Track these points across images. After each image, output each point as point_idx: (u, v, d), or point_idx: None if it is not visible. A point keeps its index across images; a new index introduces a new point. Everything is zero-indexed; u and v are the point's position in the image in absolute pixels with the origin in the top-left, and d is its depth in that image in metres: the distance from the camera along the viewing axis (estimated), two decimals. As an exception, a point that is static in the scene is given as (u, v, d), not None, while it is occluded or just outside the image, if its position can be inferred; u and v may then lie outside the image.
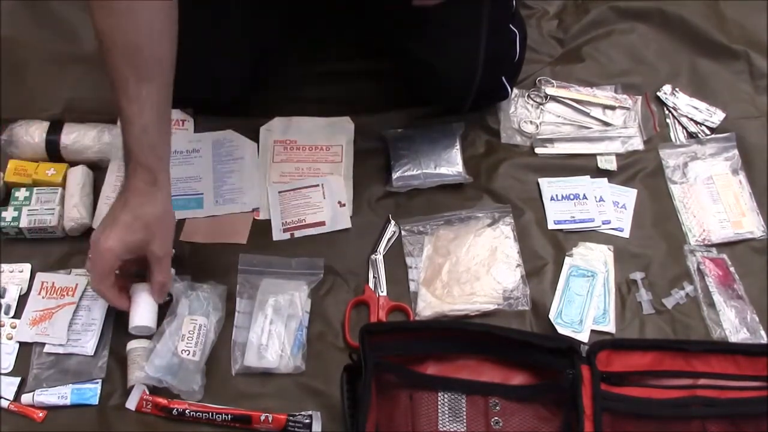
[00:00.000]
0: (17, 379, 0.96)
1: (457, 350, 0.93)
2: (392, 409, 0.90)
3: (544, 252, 1.10)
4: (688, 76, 1.30)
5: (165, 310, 0.99)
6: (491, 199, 1.15)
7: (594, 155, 1.19)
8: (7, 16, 1.26)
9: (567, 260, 1.08)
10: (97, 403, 0.95)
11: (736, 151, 1.20)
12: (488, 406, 0.91)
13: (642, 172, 1.18)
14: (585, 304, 1.04)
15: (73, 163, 1.12)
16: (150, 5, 0.87)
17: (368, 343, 0.88)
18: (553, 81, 1.27)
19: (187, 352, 0.95)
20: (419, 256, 1.08)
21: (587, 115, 1.24)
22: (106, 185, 1.12)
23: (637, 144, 1.21)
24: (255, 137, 1.18)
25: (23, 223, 1.05)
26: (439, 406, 0.91)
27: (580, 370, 0.89)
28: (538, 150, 1.20)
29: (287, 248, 1.08)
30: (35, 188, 1.09)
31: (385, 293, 1.05)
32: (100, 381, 0.96)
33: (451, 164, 1.15)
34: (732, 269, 1.08)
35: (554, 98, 1.25)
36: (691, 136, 1.23)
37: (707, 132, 1.23)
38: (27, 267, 1.05)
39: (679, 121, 1.24)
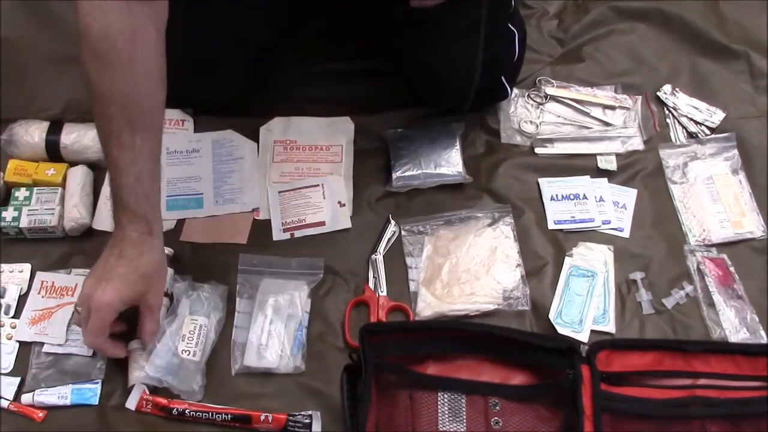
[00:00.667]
0: (17, 379, 0.96)
1: (457, 350, 0.93)
2: (392, 409, 0.90)
3: (544, 252, 1.10)
4: (688, 76, 1.30)
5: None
6: (491, 199, 1.15)
7: (594, 155, 1.19)
8: (7, 16, 1.26)
9: (567, 260, 1.08)
10: (97, 403, 0.95)
11: (736, 151, 1.20)
12: (488, 406, 0.91)
13: (642, 172, 1.18)
14: (585, 304, 1.04)
15: (73, 163, 1.12)
16: (146, 55, 0.86)
17: (368, 343, 0.88)
18: (553, 81, 1.27)
19: (188, 352, 0.95)
20: (419, 256, 1.08)
21: (587, 115, 1.24)
22: (106, 185, 1.12)
23: (637, 144, 1.21)
24: (255, 137, 1.18)
25: (23, 223, 1.05)
26: (439, 406, 0.91)
27: (580, 370, 0.89)
28: (538, 150, 1.20)
29: (287, 248, 1.08)
30: (35, 188, 1.09)
31: (385, 293, 1.05)
32: (100, 381, 0.96)
33: (451, 164, 1.15)
34: (732, 269, 1.08)
35: (554, 98, 1.25)
36: (691, 136, 1.23)
37: (707, 132, 1.23)
38: (27, 267, 1.05)
39: (679, 121, 1.24)
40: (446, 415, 0.91)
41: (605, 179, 1.17)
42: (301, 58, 1.26)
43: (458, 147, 1.17)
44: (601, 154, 1.19)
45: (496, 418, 0.91)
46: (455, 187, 1.15)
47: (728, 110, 1.25)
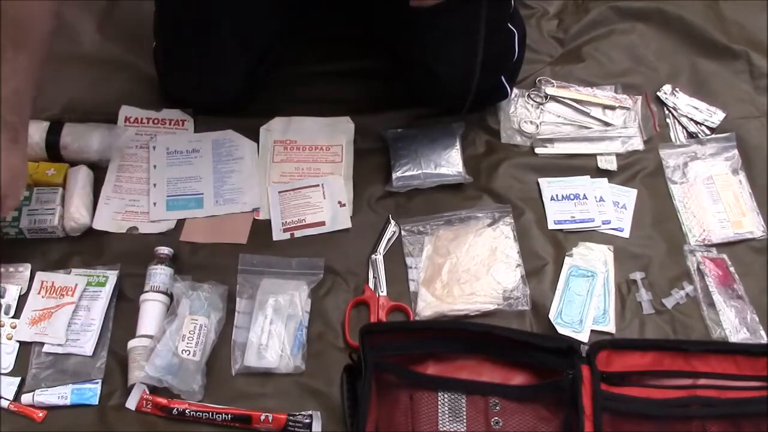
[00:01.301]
0: (17, 379, 0.96)
1: (457, 350, 0.93)
2: (392, 409, 0.90)
3: (544, 252, 1.10)
4: (688, 76, 1.30)
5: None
6: (491, 199, 1.15)
7: (594, 155, 1.19)
8: (7, 16, 1.26)
9: (567, 260, 1.08)
10: (97, 403, 0.95)
11: (736, 151, 1.20)
12: (488, 406, 0.91)
13: (642, 172, 1.18)
14: (585, 304, 1.04)
15: (73, 163, 1.12)
16: None
17: (368, 343, 0.88)
18: (553, 81, 1.27)
19: (188, 352, 0.95)
20: (419, 256, 1.08)
21: (587, 115, 1.24)
22: (106, 185, 1.12)
23: (637, 144, 1.21)
24: (255, 137, 1.18)
25: (23, 223, 1.05)
26: (439, 406, 0.91)
27: (580, 370, 0.89)
28: (538, 150, 1.20)
29: (287, 248, 1.08)
30: (35, 188, 1.09)
31: (385, 293, 1.05)
32: (99, 381, 0.96)
33: (451, 164, 1.15)
34: (732, 269, 1.08)
35: (554, 98, 1.25)
36: (691, 136, 1.23)
37: (707, 132, 1.23)
38: (27, 267, 1.05)
39: (679, 121, 1.24)
40: (446, 415, 0.91)
41: (605, 179, 1.17)
42: (301, 58, 1.26)
43: (458, 147, 1.17)
44: (601, 154, 1.19)
45: (496, 418, 0.91)
46: (455, 187, 1.15)
47: (728, 110, 1.25)
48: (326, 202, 1.12)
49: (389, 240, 1.10)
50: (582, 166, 1.18)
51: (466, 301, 1.04)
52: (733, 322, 1.03)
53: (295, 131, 1.19)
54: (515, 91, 1.24)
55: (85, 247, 1.07)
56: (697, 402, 0.91)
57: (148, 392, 0.94)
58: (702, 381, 0.92)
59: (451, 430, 0.90)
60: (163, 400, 0.93)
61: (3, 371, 0.96)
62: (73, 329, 0.99)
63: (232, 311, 1.02)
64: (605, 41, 1.33)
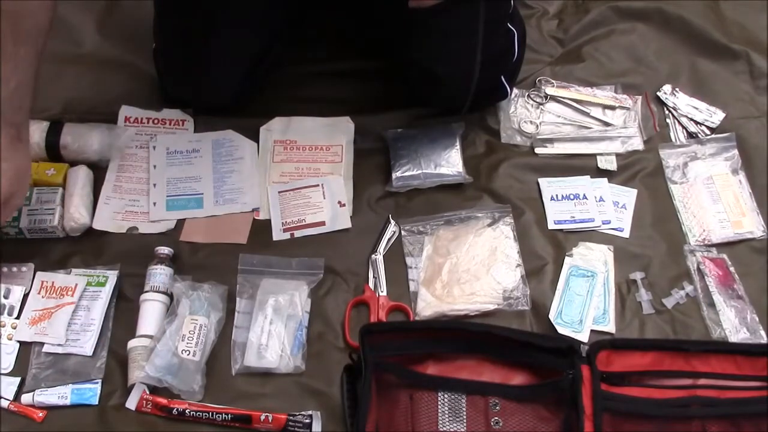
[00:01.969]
0: (17, 379, 0.96)
1: (457, 350, 0.93)
2: (392, 409, 0.90)
3: (544, 252, 1.10)
4: (688, 76, 1.30)
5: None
6: (491, 199, 1.15)
7: (594, 155, 1.19)
8: (7, 16, 1.26)
9: (567, 260, 1.08)
10: (97, 403, 0.95)
11: (736, 151, 1.20)
12: (488, 406, 0.91)
13: (642, 172, 1.18)
14: (585, 304, 1.04)
15: (73, 163, 1.12)
16: None
17: (368, 343, 0.88)
18: (553, 81, 1.27)
19: (188, 352, 0.95)
20: (419, 256, 1.08)
21: (587, 115, 1.24)
22: (106, 185, 1.12)
23: (637, 144, 1.21)
24: (255, 137, 1.18)
25: (23, 223, 1.05)
26: (439, 406, 0.91)
27: (580, 370, 0.89)
28: (538, 150, 1.20)
29: (287, 248, 1.08)
30: (35, 188, 1.09)
31: (385, 293, 1.05)
32: (99, 381, 0.96)
33: (451, 164, 1.15)
34: (732, 269, 1.08)
35: (554, 98, 1.25)
36: (691, 136, 1.23)
37: (707, 132, 1.23)
38: (30, 267, 1.05)
39: (679, 121, 1.24)
40: (446, 415, 0.91)
41: (605, 179, 1.17)
42: (301, 58, 1.26)
43: (458, 147, 1.17)
44: (601, 154, 1.19)
45: (496, 418, 0.91)
46: (455, 187, 1.15)
47: (728, 110, 1.25)
48: (326, 202, 1.12)
49: (389, 240, 1.10)
50: (582, 166, 1.18)
51: (466, 301, 1.04)
52: (733, 322, 1.03)
53: (295, 131, 1.19)
54: (515, 91, 1.24)
55: (85, 247, 1.07)
56: (697, 402, 0.91)
57: (148, 392, 0.94)
58: (702, 381, 0.92)
59: (451, 430, 0.90)
60: (163, 400, 0.93)
61: (3, 371, 0.96)
62: (73, 329, 0.99)
63: (232, 311, 1.02)
64: (605, 41, 1.33)
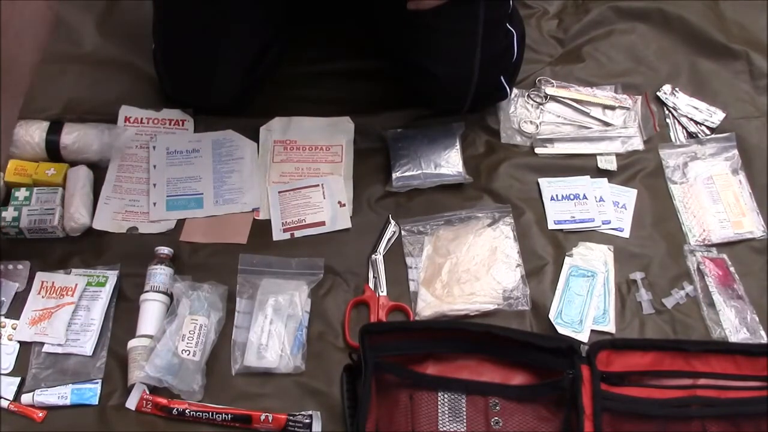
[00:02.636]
0: (17, 379, 0.96)
1: (457, 350, 0.93)
2: (392, 409, 0.90)
3: (544, 252, 1.10)
4: (688, 76, 1.30)
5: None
6: (491, 199, 1.15)
7: (594, 155, 1.19)
8: (7, 16, 1.26)
9: (567, 260, 1.08)
10: (97, 403, 0.95)
11: (736, 151, 1.20)
12: (488, 406, 0.91)
13: (642, 172, 1.19)
14: (585, 304, 1.04)
15: (73, 163, 1.12)
16: (24, 20, 0.84)
17: (368, 343, 0.88)
18: (553, 81, 1.27)
19: (188, 352, 0.95)
20: (419, 256, 1.08)
21: (587, 115, 1.24)
22: (106, 185, 1.12)
23: (637, 144, 1.21)
24: (255, 137, 1.18)
25: (23, 223, 1.05)
26: (439, 406, 0.91)
27: (580, 370, 0.89)
28: (538, 150, 1.20)
29: (287, 248, 1.08)
30: (35, 188, 1.09)
31: (385, 293, 1.05)
32: (99, 381, 0.96)
33: (451, 164, 1.15)
34: (732, 269, 1.08)
35: (554, 98, 1.25)
36: (691, 136, 1.23)
37: (707, 132, 1.23)
38: (26, 264, 1.05)
39: (679, 121, 1.24)
40: (446, 415, 0.91)
41: (605, 179, 1.17)
42: (301, 58, 1.26)
43: (458, 147, 1.17)
44: (601, 154, 1.19)
45: (496, 418, 0.91)
46: (455, 187, 1.15)
47: (728, 110, 1.25)
48: (326, 202, 1.12)
49: (389, 240, 1.10)
50: (582, 166, 1.18)
51: (466, 301, 1.04)
52: (733, 322, 1.03)
53: (295, 131, 1.19)
54: (515, 91, 1.24)
55: (85, 247, 1.07)
56: (697, 402, 0.91)
57: (148, 392, 0.94)
58: (702, 381, 0.92)
59: (451, 430, 0.90)
60: (163, 400, 0.93)
61: (3, 371, 0.96)
62: (73, 329, 0.99)
63: (232, 311, 1.02)
64: (605, 41, 1.33)
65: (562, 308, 1.04)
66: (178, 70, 1.17)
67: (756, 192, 1.16)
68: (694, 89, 1.28)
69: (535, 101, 1.25)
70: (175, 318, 0.97)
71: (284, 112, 1.21)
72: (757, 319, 1.04)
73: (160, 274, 1.02)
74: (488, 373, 0.93)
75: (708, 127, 1.23)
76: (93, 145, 1.12)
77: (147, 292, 1.01)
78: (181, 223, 1.11)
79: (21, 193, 1.08)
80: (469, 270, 1.06)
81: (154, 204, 1.11)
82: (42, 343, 0.98)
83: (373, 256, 1.08)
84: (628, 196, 1.16)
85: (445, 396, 0.91)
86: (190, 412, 0.92)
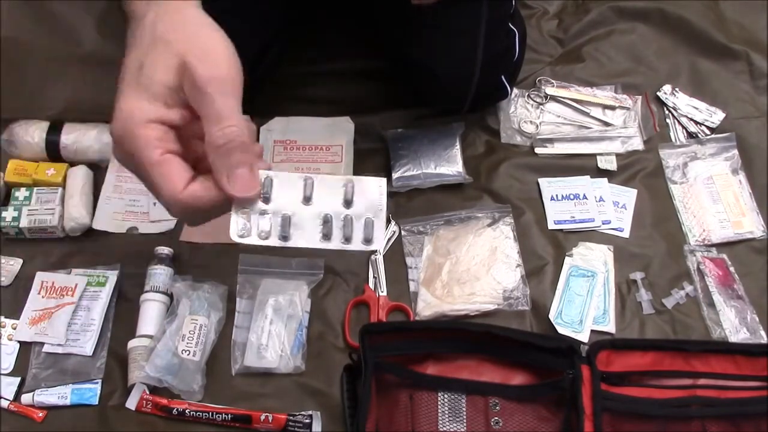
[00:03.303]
0: (17, 379, 0.96)
1: (457, 350, 0.93)
2: (392, 409, 0.90)
3: (544, 252, 1.10)
4: (688, 76, 1.30)
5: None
6: (491, 199, 1.15)
7: (594, 155, 1.19)
8: (7, 16, 1.26)
9: (567, 260, 1.08)
10: (97, 403, 0.95)
11: (736, 151, 1.20)
12: (488, 406, 0.91)
13: (642, 172, 1.19)
14: (585, 304, 1.04)
15: (73, 163, 1.12)
16: None
17: (368, 343, 0.88)
18: (553, 81, 1.27)
19: (188, 352, 0.95)
20: (419, 256, 1.08)
21: (587, 115, 1.24)
22: (106, 185, 1.12)
23: (637, 144, 1.21)
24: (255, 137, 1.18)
25: (23, 223, 1.05)
26: (439, 406, 0.91)
27: (580, 370, 0.89)
28: (538, 150, 1.20)
29: (287, 248, 1.08)
30: (35, 188, 1.09)
31: (385, 293, 1.05)
32: (99, 381, 0.96)
33: (451, 164, 1.15)
34: (732, 269, 1.08)
35: (554, 98, 1.25)
36: (691, 136, 1.23)
37: (707, 132, 1.23)
38: (18, 261, 1.05)
39: (679, 121, 1.24)
40: (446, 415, 0.91)
41: (605, 179, 1.17)
42: (301, 58, 1.26)
43: (458, 147, 1.17)
44: (601, 154, 1.19)
45: (496, 418, 0.91)
46: (455, 187, 1.15)
47: (728, 110, 1.25)
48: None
49: (389, 240, 1.10)
50: (582, 166, 1.18)
51: (466, 301, 1.04)
52: (733, 322, 1.03)
53: (295, 131, 1.19)
54: (515, 91, 1.24)
55: (85, 247, 1.07)
56: (697, 402, 0.91)
57: (148, 392, 0.94)
58: (702, 381, 0.92)
59: (451, 430, 0.90)
60: (163, 400, 0.93)
61: (3, 371, 0.96)
62: (73, 329, 0.99)
63: (232, 311, 1.02)
64: (605, 41, 1.33)
65: (562, 308, 1.04)
66: None
67: (756, 192, 1.16)
68: (694, 89, 1.28)
69: (535, 101, 1.25)
70: (175, 318, 0.97)
71: (284, 112, 1.21)
72: (757, 319, 1.04)
73: (160, 274, 1.02)
74: (488, 373, 0.93)
75: (708, 127, 1.23)
76: (93, 145, 1.12)
77: (147, 292, 1.01)
78: (181, 223, 1.10)
79: (21, 193, 1.08)
80: (469, 270, 1.06)
81: (154, 204, 1.11)
82: (42, 343, 0.98)
83: (373, 256, 1.08)
84: (628, 196, 1.16)
85: (445, 396, 0.91)
86: (190, 412, 0.93)
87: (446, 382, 0.92)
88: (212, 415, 0.92)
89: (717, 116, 1.24)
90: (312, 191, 0.63)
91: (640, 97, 1.26)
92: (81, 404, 0.94)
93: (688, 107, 1.25)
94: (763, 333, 1.03)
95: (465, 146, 1.19)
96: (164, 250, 1.04)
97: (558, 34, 1.34)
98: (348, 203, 0.64)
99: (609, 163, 1.18)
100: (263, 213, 0.62)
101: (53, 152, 1.12)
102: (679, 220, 1.14)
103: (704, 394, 0.91)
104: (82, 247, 1.07)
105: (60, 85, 1.21)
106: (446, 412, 0.91)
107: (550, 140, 1.21)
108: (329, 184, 0.63)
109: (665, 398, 0.91)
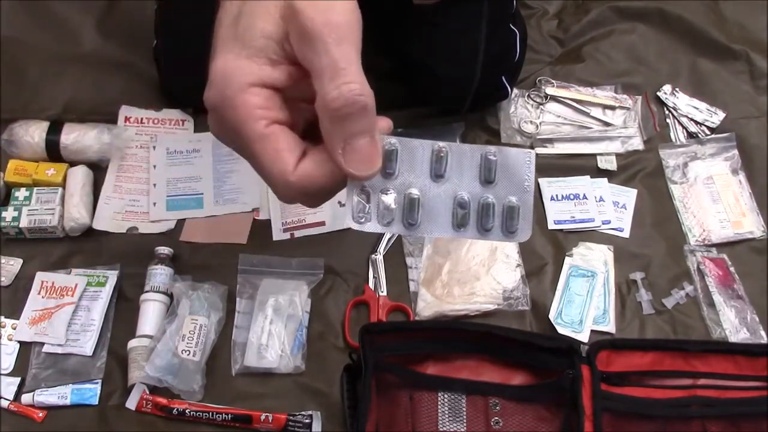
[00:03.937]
0: (17, 379, 0.96)
1: (457, 350, 0.93)
2: (392, 409, 0.90)
3: (544, 252, 1.10)
4: (688, 76, 1.30)
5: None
6: (491, 199, 1.14)
7: (594, 155, 1.19)
8: (7, 16, 1.26)
9: (567, 260, 1.08)
10: (97, 403, 0.95)
11: (736, 151, 1.20)
12: (488, 406, 0.91)
13: (642, 172, 1.19)
14: (585, 304, 1.04)
15: (73, 163, 1.12)
16: None
17: (368, 343, 0.88)
18: (553, 81, 1.27)
19: (188, 352, 0.95)
20: (419, 256, 1.08)
21: (587, 115, 1.24)
22: (106, 185, 1.12)
23: (637, 144, 1.21)
24: (255, 137, 1.18)
25: (23, 223, 1.05)
26: (439, 406, 0.91)
27: (580, 370, 0.89)
28: (538, 150, 1.20)
29: (287, 248, 1.08)
30: (35, 188, 1.09)
31: (385, 293, 1.05)
32: (99, 381, 0.96)
33: (451, 164, 1.15)
34: (732, 269, 1.08)
35: (554, 98, 1.25)
36: (691, 136, 1.23)
37: (707, 132, 1.23)
38: (18, 261, 1.05)
39: (679, 121, 1.24)
40: (446, 415, 0.91)
41: (605, 179, 1.17)
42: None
43: (458, 147, 1.17)
44: (601, 154, 1.19)
45: (496, 418, 0.91)
46: (455, 187, 1.15)
47: (728, 110, 1.25)
48: (326, 203, 1.12)
49: (389, 240, 1.10)
50: (582, 166, 1.18)
51: (466, 301, 1.04)
52: (733, 322, 1.03)
53: (295, 131, 1.19)
54: (515, 91, 1.24)
55: (85, 247, 1.07)
56: (697, 402, 0.91)
57: (148, 392, 0.94)
58: (702, 381, 0.92)
59: (451, 430, 0.90)
60: (163, 400, 0.93)
61: (3, 371, 0.96)
62: (73, 329, 0.99)
63: (232, 311, 1.02)
64: (605, 41, 1.33)
65: (562, 308, 1.04)
66: (180, 68, 1.16)
67: (756, 192, 1.16)
68: (694, 89, 1.28)
69: (535, 101, 1.25)
70: (175, 318, 0.97)
71: (284, 112, 1.20)
72: (757, 319, 1.04)
73: (160, 274, 1.02)
74: (488, 373, 0.93)
75: (708, 127, 1.23)
76: (93, 145, 1.12)
77: (147, 292, 1.01)
78: (181, 223, 1.10)
79: (21, 193, 1.08)
80: (469, 270, 1.06)
81: (154, 204, 1.11)
82: (42, 343, 0.98)
83: (373, 256, 1.08)
84: (628, 196, 1.16)
85: (445, 396, 0.91)
86: (190, 412, 0.93)
87: (446, 382, 0.92)
88: (212, 415, 0.92)
89: (717, 116, 1.24)
90: (445, 165, 0.52)
91: (640, 97, 1.26)
92: (81, 404, 0.94)
93: (688, 107, 1.25)
94: (763, 333, 1.03)
95: (465, 146, 1.18)
96: (164, 250, 1.04)
97: (558, 34, 1.34)
98: (488, 181, 0.51)
99: (609, 163, 1.18)
100: (385, 192, 0.51)
101: (53, 152, 1.11)
102: (679, 220, 1.14)
103: (704, 394, 0.91)
104: (82, 247, 1.07)
105: (60, 85, 1.21)
106: (446, 412, 0.91)
107: (550, 140, 1.21)
108: (465, 155, 0.52)
109: (665, 398, 0.91)
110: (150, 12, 1.17)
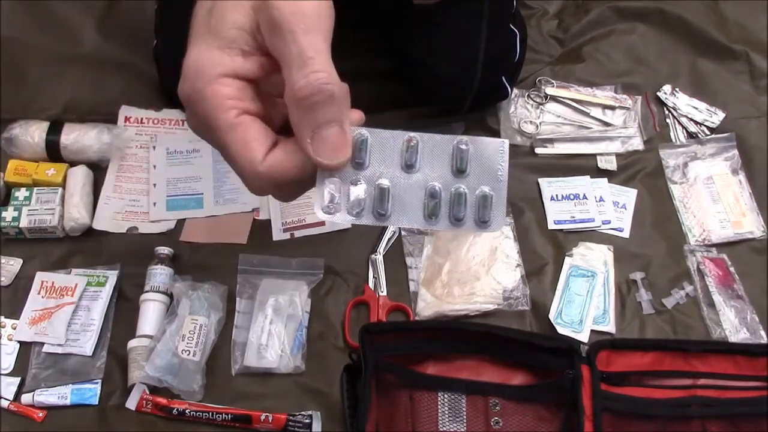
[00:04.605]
0: (17, 379, 0.96)
1: (457, 350, 0.93)
2: (392, 409, 0.90)
3: (544, 252, 1.10)
4: (688, 76, 1.30)
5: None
6: (491, 199, 1.14)
7: (594, 155, 1.19)
8: (7, 16, 1.26)
9: (567, 260, 1.08)
10: (97, 403, 0.95)
11: (736, 151, 1.20)
12: (488, 406, 0.91)
13: (642, 172, 1.19)
14: (585, 304, 1.04)
15: (73, 163, 1.12)
16: None
17: (368, 343, 0.88)
18: (553, 81, 1.27)
19: (188, 352, 0.95)
20: (419, 256, 1.08)
21: (587, 115, 1.24)
22: (106, 185, 1.12)
23: (637, 144, 1.21)
24: (255, 137, 1.18)
25: (23, 223, 1.05)
26: (439, 406, 0.91)
27: (580, 370, 0.89)
28: (538, 150, 1.20)
29: (287, 248, 1.08)
30: (35, 188, 1.09)
31: (385, 293, 1.05)
32: (99, 381, 0.96)
33: (451, 164, 1.15)
34: (732, 269, 1.08)
35: (554, 98, 1.25)
36: (691, 136, 1.23)
37: (707, 132, 1.23)
38: (18, 261, 1.05)
39: (679, 121, 1.24)
40: (446, 415, 0.91)
41: (605, 179, 1.17)
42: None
43: (458, 147, 1.17)
44: (601, 154, 1.19)
45: (496, 418, 0.91)
46: (455, 187, 1.15)
47: (728, 110, 1.25)
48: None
49: (389, 240, 1.10)
50: (582, 166, 1.18)
51: (466, 301, 1.04)
52: (733, 322, 1.03)
53: (295, 131, 1.19)
54: (515, 91, 1.24)
55: (85, 247, 1.07)
56: (697, 402, 0.91)
57: (148, 392, 0.94)
58: (702, 381, 0.92)
59: (451, 430, 0.90)
60: (163, 400, 0.93)
61: (3, 371, 0.96)
62: (73, 329, 0.99)
63: (232, 311, 1.02)
64: (605, 41, 1.33)
65: (562, 308, 1.04)
66: (180, 69, 1.16)
67: (756, 192, 1.16)
68: (694, 89, 1.28)
69: (535, 101, 1.25)
70: (175, 318, 0.97)
71: (284, 112, 1.20)
72: (757, 319, 1.04)
73: (160, 274, 1.02)
74: (488, 374, 0.93)
75: (708, 127, 1.23)
76: (93, 145, 1.12)
77: (147, 292, 1.01)
78: (181, 223, 1.10)
79: (21, 193, 1.08)
80: (469, 270, 1.06)
81: (154, 204, 1.11)
82: (42, 343, 0.98)
83: (373, 256, 1.08)
84: (628, 196, 1.16)
85: (445, 396, 0.91)
86: (190, 412, 0.93)
87: (446, 382, 0.92)
88: (212, 415, 0.92)
89: (717, 116, 1.24)
90: (416, 155, 0.52)
91: (640, 97, 1.26)
92: (81, 404, 0.94)
93: (688, 107, 1.25)
94: (763, 333, 1.03)
95: (465, 146, 1.18)
96: (164, 250, 1.04)
97: (558, 34, 1.34)
98: (460, 171, 0.51)
99: (609, 163, 1.18)
100: (355, 182, 0.51)
101: (53, 152, 1.11)
102: (679, 220, 1.14)
103: (704, 394, 0.91)
104: (82, 247, 1.07)
105: (60, 85, 1.21)
106: (446, 412, 0.91)
107: (550, 140, 1.21)
108: (437, 145, 0.52)
109: (665, 398, 0.91)
110: (150, 12, 1.17)
